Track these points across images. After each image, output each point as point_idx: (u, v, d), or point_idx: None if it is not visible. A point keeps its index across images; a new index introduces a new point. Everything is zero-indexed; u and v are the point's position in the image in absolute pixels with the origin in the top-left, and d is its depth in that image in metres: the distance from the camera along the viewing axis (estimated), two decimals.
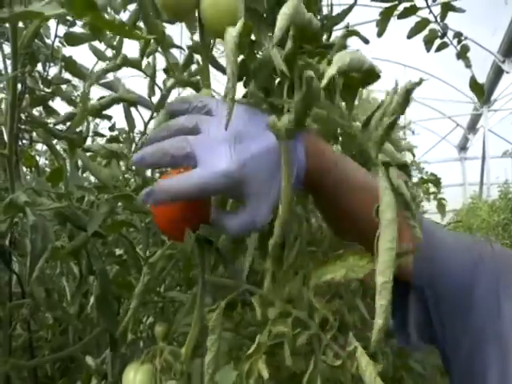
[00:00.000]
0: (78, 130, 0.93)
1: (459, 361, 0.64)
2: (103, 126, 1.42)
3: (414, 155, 2.22)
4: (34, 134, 1.00)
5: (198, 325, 0.68)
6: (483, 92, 0.81)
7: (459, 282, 0.63)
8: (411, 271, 0.64)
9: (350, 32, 0.71)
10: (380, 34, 0.93)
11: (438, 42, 0.89)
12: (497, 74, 6.02)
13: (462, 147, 9.97)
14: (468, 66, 0.78)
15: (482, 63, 6.06)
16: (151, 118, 0.93)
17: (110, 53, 0.92)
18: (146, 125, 0.95)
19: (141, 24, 0.81)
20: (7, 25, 0.67)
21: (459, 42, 0.84)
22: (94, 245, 0.88)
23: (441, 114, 9.04)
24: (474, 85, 0.81)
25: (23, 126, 0.89)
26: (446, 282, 0.64)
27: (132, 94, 0.92)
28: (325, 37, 0.76)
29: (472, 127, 8.88)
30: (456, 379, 0.66)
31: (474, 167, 8.90)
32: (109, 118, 1.02)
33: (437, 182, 1.98)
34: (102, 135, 1.17)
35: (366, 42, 0.80)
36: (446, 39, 0.85)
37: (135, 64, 0.88)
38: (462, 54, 0.78)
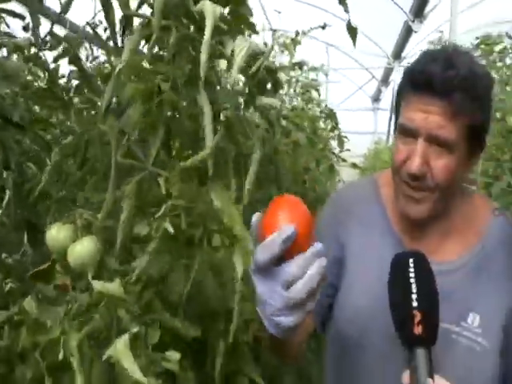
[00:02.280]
0: None
1: None
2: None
3: (319, 94, 2.49)
4: None
5: (112, 193, 0.84)
6: (356, 34, 0.98)
7: None
8: None
9: None
10: None
11: None
12: (407, 32, 6.39)
13: (376, 98, 10.55)
14: (346, 10, 0.93)
15: (398, 21, 6.43)
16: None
17: None
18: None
19: None
20: None
21: None
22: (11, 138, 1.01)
23: (360, 65, 9.40)
24: (349, 28, 0.97)
25: None
26: None
27: None
28: None
29: (385, 80, 9.38)
30: None
31: (385, 117, 9.51)
32: (22, 17, 1.11)
33: (332, 115, 2.25)
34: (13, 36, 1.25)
35: None
36: None
37: None
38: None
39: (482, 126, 0.96)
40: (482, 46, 2.39)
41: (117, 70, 0.73)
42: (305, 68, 2.50)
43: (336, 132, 2.68)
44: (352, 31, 0.98)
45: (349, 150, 2.84)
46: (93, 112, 1.12)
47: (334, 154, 2.70)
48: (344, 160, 2.72)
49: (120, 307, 0.75)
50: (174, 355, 0.75)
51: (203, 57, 0.69)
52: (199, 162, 0.73)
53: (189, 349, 1.24)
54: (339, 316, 1.07)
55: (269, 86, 1.00)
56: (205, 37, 0.69)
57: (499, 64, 2.32)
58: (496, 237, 1.01)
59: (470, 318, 0.93)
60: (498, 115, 2.07)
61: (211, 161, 0.72)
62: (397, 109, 1.02)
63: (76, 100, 1.14)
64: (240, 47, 0.70)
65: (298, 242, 0.67)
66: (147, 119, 0.85)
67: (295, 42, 2.13)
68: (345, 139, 2.64)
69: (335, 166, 2.59)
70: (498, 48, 2.32)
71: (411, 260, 0.79)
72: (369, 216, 1.08)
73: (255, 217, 0.72)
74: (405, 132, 0.96)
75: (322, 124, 2.74)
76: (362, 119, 10.08)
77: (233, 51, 0.70)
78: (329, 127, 2.74)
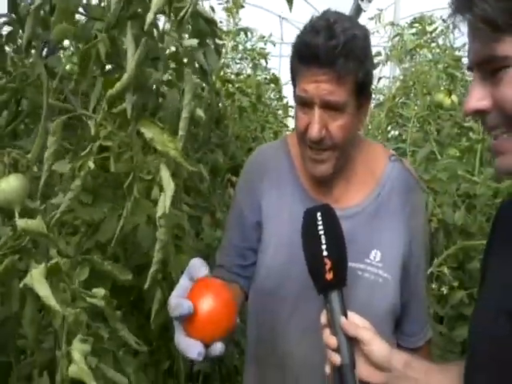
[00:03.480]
0: None
1: None
2: None
3: (266, 62, 2.56)
4: None
5: (42, 136, 0.84)
6: (292, 2, 1.00)
7: None
8: None
9: None
10: None
11: None
12: (357, 10, 6.47)
13: None
14: None
15: None
16: None
17: None
18: None
19: None
20: None
21: None
22: None
23: None
24: None
25: None
26: None
27: None
28: None
29: None
30: None
31: None
32: None
33: (275, 80, 2.33)
34: None
35: None
36: None
37: None
38: None
39: (366, 80, 1.04)
40: (416, 25, 2.54)
41: (36, 4, 0.73)
42: (253, 37, 2.53)
43: (283, 101, 2.77)
44: None
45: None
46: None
47: (280, 121, 2.75)
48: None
49: (46, 244, 0.76)
50: (100, 291, 0.76)
51: None
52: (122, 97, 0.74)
53: (127, 297, 1.27)
54: (257, 275, 1.15)
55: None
56: None
57: (433, 44, 2.48)
58: (392, 181, 1.13)
59: (372, 255, 1.05)
60: (425, 90, 2.22)
61: (131, 94, 0.72)
62: (294, 82, 1.09)
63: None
64: None
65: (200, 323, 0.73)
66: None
67: (237, 5, 2.14)
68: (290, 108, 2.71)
69: (281, 133, 2.64)
70: (430, 28, 2.47)
71: (319, 214, 0.85)
72: (280, 176, 1.16)
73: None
74: (302, 102, 1.05)
75: (270, 94, 2.81)
76: None
77: None
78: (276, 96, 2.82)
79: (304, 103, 1.04)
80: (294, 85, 1.09)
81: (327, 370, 0.85)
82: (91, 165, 0.77)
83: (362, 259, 1.06)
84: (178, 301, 0.71)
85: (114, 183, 1.15)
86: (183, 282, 0.76)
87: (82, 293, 0.76)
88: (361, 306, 0.92)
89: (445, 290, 1.61)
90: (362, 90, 1.04)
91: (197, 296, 0.73)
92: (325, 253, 0.82)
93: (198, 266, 0.75)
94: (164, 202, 0.77)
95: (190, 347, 0.70)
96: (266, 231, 1.15)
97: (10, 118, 1.07)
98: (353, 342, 0.83)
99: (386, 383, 0.84)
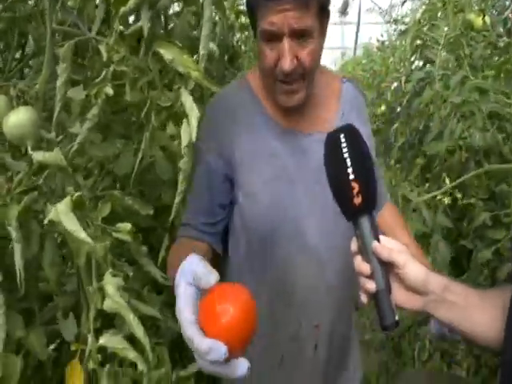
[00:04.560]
0: None
1: None
2: None
3: None
4: None
5: (49, 64, 0.77)
6: None
7: None
8: None
9: None
10: None
11: None
12: None
13: (343, 12, 10.26)
14: None
15: None
16: None
17: None
18: None
19: None
20: None
21: None
22: None
23: None
24: None
25: None
26: None
27: None
28: None
29: None
30: None
31: (352, 31, 9.47)
32: None
33: None
34: None
35: None
36: None
37: None
38: None
39: (326, 1, 1.06)
40: None
41: None
42: None
43: None
44: None
45: None
46: None
47: None
48: None
49: (64, 178, 0.71)
50: (126, 225, 0.72)
51: None
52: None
53: (147, 240, 1.25)
54: (248, 225, 1.13)
55: None
56: None
57: None
58: (350, 100, 1.22)
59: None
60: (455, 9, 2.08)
61: (147, 9, 0.66)
62: (253, 19, 1.08)
63: None
64: None
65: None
66: None
67: None
68: None
69: None
70: None
71: (342, 135, 0.80)
72: (248, 118, 1.14)
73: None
74: (269, 36, 1.03)
75: None
76: (329, 34, 9.88)
77: None
78: None
79: (271, 37, 1.03)
80: (254, 22, 1.08)
81: (363, 299, 0.82)
82: (109, 91, 0.71)
83: None
84: (212, 344, 0.61)
85: (125, 119, 1.10)
86: (189, 291, 0.67)
87: (107, 228, 0.71)
88: None
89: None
90: (323, 11, 1.06)
91: (214, 312, 0.64)
92: (351, 176, 0.77)
93: (203, 274, 0.67)
94: (188, 129, 0.71)
95: (215, 347, 0.61)
96: (246, 179, 1.12)
97: (13, 54, 1.00)
98: (387, 268, 0.80)
99: (422, 309, 0.82)
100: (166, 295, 1.32)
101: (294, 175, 1.12)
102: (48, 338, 0.92)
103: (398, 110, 2.80)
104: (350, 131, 0.82)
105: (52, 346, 0.97)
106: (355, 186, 0.77)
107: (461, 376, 2.21)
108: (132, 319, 0.63)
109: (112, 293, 0.63)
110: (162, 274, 0.88)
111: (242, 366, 0.63)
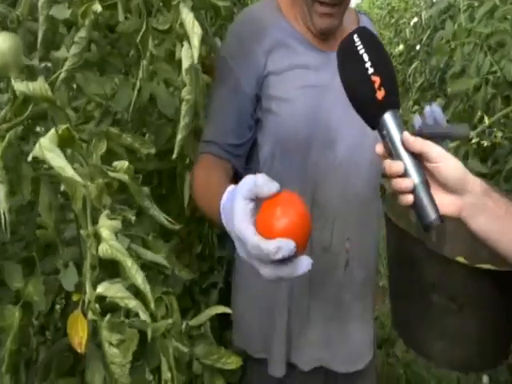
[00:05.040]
0: None
1: None
2: None
3: None
4: None
5: None
6: None
7: None
8: None
9: None
10: None
11: None
12: None
13: None
14: None
15: None
16: None
17: None
18: None
19: None
20: None
21: None
22: None
23: None
24: None
25: None
26: None
27: None
28: None
29: None
30: None
31: None
32: None
33: None
34: None
35: None
36: None
37: None
38: None
39: None
40: None
41: None
42: None
43: None
44: None
45: None
46: None
47: None
48: None
49: (50, 110, 0.63)
50: (122, 163, 0.65)
51: None
52: None
53: (150, 183, 1.18)
54: (284, 135, 1.11)
55: None
56: None
57: None
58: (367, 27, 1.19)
59: None
60: None
61: None
62: None
63: None
64: None
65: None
66: None
67: None
68: None
69: None
70: None
71: (355, 36, 0.76)
72: (278, 34, 1.11)
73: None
74: None
75: None
76: None
77: None
78: None
79: None
80: None
81: (403, 200, 0.73)
82: (97, 7, 0.62)
83: None
84: (279, 243, 0.62)
85: (122, 52, 1.02)
86: (243, 205, 0.66)
87: (101, 167, 0.64)
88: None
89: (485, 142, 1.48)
90: None
91: (275, 215, 0.64)
92: (370, 70, 0.72)
93: (264, 182, 0.66)
94: (189, 51, 0.62)
95: (283, 244, 0.62)
96: (279, 85, 1.10)
97: None
98: (419, 163, 0.73)
99: (458, 214, 0.73)
100: (175, 242, 1.27)
101: (327, 86, 1.11)
102: (53, 289, 0.87)
103: (417, 48, 2.65)
104: (363, 31, 0.77)
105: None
106: (376, 79, 0.72)
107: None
108: (130, 265, 0.56)
109: (107, 236, 0.56)
110: (169, 218, 0.81)
111: (305, 262, 0.65)
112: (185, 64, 0.63)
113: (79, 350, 0.75)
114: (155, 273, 0.92)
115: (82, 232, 0.58)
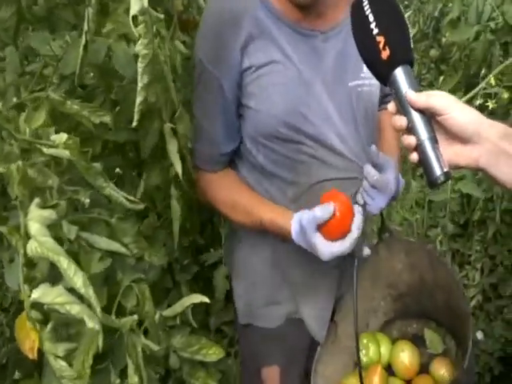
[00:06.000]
0: None
1: None
2: None
3: None
4: None
5: None
6: None
7: None
8: None
9: None
10: None
11: None
12: None
13: None
14: None
15: None
16: None
17: None
18: None
19: None
20: None
21: None
22: None
23: None
24: None
25: None
26: None
27: None
28: None
29: None
30: None
31: None
32: None
33: None
34: None
35: None
36: None
37: None
38: None
39: None
40: None
41: None
42: None
43: None
44: None
45: None
46: None
47: None
48: None
49: None
50: (61, 136, 0.52)
51: None
52: None
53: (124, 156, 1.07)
54: (263, 133, 1.07)
55: None
56: None
57: None
58: None
59: (364, 68, 0.93)
60: None
61: None
62: None
63: None
64: None
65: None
66: None
67: None
68: None
69: None
70: None
71: None
72: (255, 21, 1.01)
73: None
74: None
75: None
76: None
77: None
78: None
79: None
80: None
81: (410, 157, 0.71)
82: None
83: (358, 75, 1.07)
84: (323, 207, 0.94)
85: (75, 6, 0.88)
86: (316, 237, 0.96)
87: (34, 143, 0.51)
88: (366, 120, 1.09)
89: (490, 104, 1.38)
90: None
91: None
92: (375, 31, 0.72)
93: (321, 214, 0.94)
94: None
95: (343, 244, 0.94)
96: (258, 81, 1.03)
97: None
98: (430, 119, 0.71)
99: (476, 164, 0.68)
100: (151, 220, 1.15)
101: (311, 78, 1.06)
102: None
103: None
104: None
105: None
106: (380, 39, 0.72)
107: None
108: (66, 266, 0.44)
109: (36, 232, 0.44)
110: (128, 197, 0.69)
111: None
112: (133, 8, 0.50)
113: (31, 356, 0.64)
114: (123, 257, 0.81)
115: (0, 228, 0.46)
